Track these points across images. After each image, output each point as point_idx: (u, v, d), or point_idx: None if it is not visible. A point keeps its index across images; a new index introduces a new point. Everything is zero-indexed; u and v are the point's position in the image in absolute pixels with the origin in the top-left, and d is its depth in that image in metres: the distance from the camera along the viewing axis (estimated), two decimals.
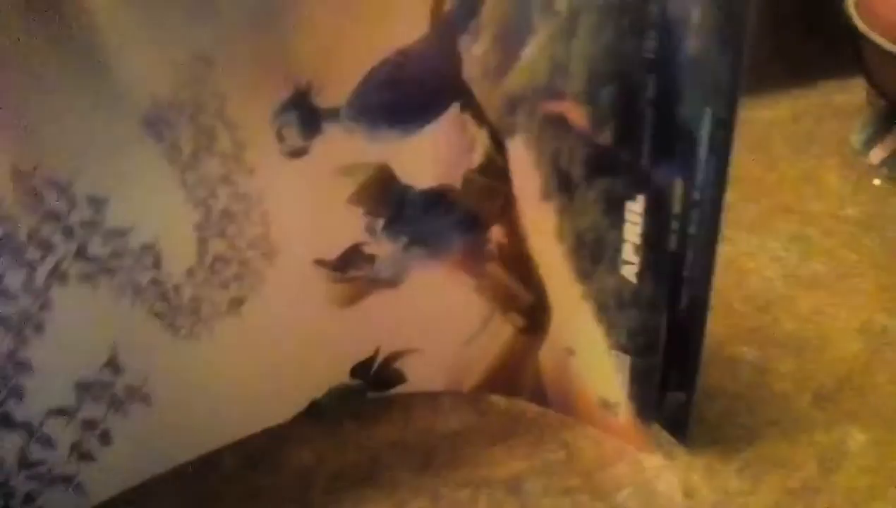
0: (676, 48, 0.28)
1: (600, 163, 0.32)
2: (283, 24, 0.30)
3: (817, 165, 0.53)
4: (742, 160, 0.55)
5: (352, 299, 0.37)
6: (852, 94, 0.57)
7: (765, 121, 0.56)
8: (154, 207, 0.32)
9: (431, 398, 0.40)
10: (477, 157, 0.34)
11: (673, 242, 0.33)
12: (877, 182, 0.51)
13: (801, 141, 0.55)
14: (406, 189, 0.35)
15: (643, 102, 0.29)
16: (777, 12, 0.58)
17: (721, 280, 0.44)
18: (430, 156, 0.34)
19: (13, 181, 0.29)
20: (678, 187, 0.31)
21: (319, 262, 0.36)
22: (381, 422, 0.39)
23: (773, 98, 0.58)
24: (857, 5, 0.50)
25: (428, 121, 0.33)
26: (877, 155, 0.52)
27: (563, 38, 0.30)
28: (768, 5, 0.54)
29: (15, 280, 0.30)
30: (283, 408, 0.39)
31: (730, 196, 0.50)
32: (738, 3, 0.27)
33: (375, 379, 0.40)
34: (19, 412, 0.33)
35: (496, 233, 0.36)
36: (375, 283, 0.37)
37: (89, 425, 0.35)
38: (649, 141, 0.30)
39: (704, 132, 0.30)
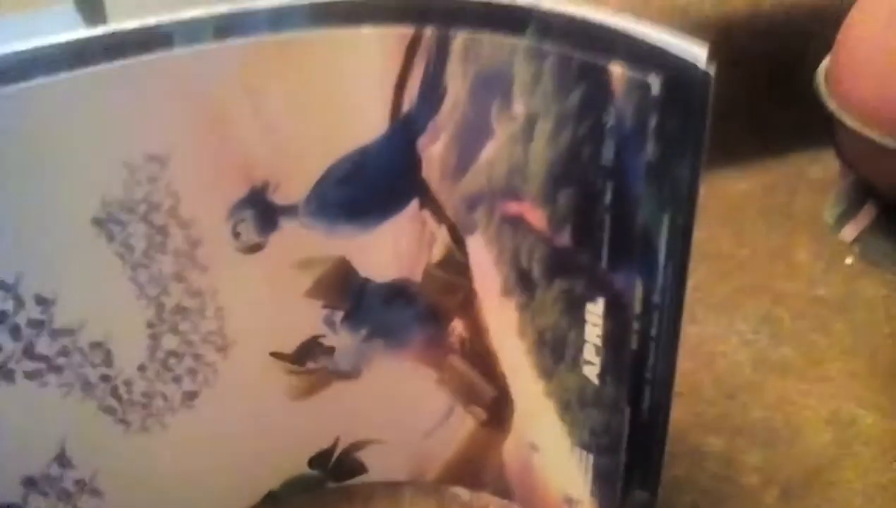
0: (634, 155, 0.27)
1: (559, 265, 0.31)
2: (240, 126, 0.29)
3: (789, 241, 0.52)
4: (713, 233, 0.55)
5: (310, 391, 0.36)
6: (825, 167, 0.56)
7: (736, 192, 0.55)
8: (104, 305, 0.30)
9: (393, 488, 0.39)
10: (437, 252, 0.33)
11: (634, 343, 0.31)
12: (849, 260, 0.50)
13: (772, 214, 0.54)
14: (365, 282, 0.34)
15: (601, 207, 0.29)
16: (750, 83, 0.58)
17: (689, 363, 0.44)
18: (389, 250, 0.33)
19: None
20: (638, 289, 0.30)
21: (276, 355, 0.35)
22: None
23: (744, 169, 0.57)
24: (827, 83, 0.49)
25: (386, 217, 0.32)
26: (849, 232, 0.52)
27: (521, 141, 0.29)
28: (740, 76, 0.54)
29: None
30: (237, 500, 0.38)
31: (700, 273, 0.50)
32: (696, 109, 0.27)
33: (335, 469, 0.38)
34: None
35: (457, 327, 0.35)
36: (334, 375, 0.36)
37: None
38: (608, 244, 0.29)
39: (663, 237, 0.29)
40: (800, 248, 0.52)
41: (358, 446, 0.38)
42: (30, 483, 0.32)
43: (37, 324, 0.30)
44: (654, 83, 0.26)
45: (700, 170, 0.28)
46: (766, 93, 0.58)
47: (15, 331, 0.29)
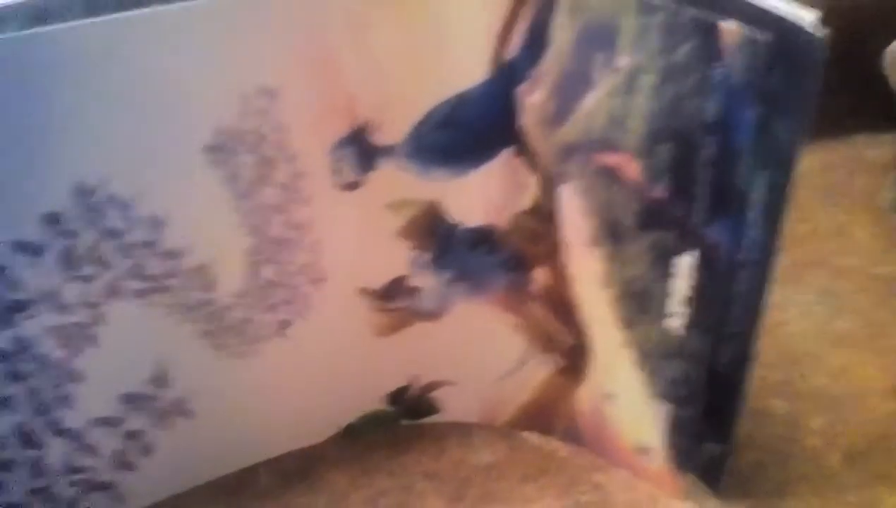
0: (740, 111, 0.27)
1: (652, 217, 0.30)
2: (348, 65, 0.29)
3: (848, 220, 0.51)
4: None
5: (392, 329, 0.36)
6: (883, 149, 0.55)
7: (797, 171, 0.54)
8: (210, 231, 0.31)
9: (464, 430, 0.39)
10: (526, 200, 0.33)
11: (722, 297, 0.31)
12: None
13: (831, 194, 0.53)
14: (454, 226, 0.34)
15: (700, 162, 0.28)
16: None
17: None
18: (479, 196, 0.33)
19: (77, 196, 0.28)
20: (731, 244, 0.30)
21: (364, 291, 0.35)
22: (413, 451, 0.38)
23: (806, 149, 0.56)
24: (893, 65, 0.48)
25: (480, 163, 0.32)
26: None
27: (623, 94, 0.29)
28: None
29: (72, 293, 0.30)
30: (318, 429, 0.38)
31: None
32: (805, 71, 0.26)
33: (410, 407, 0.39)
34: (67, 420, 0.32)
35: (541, 275, 0.35)
36: (417, 315, 0.36)
37: (132, 435, 0.34)
38: (703, 199, 0.29)
39: (759, 194, 0.29)
40: (858, 227, 0.51)
41: (433, 386, 0.38)
42: (127, 400, 0.33)
43: (147, 245, 0.30)
44: (766, 42, 0.26)
45: (803, 131, 0.27)
46: (828, 74, 0.57)
47: (127, 249, 0.30)
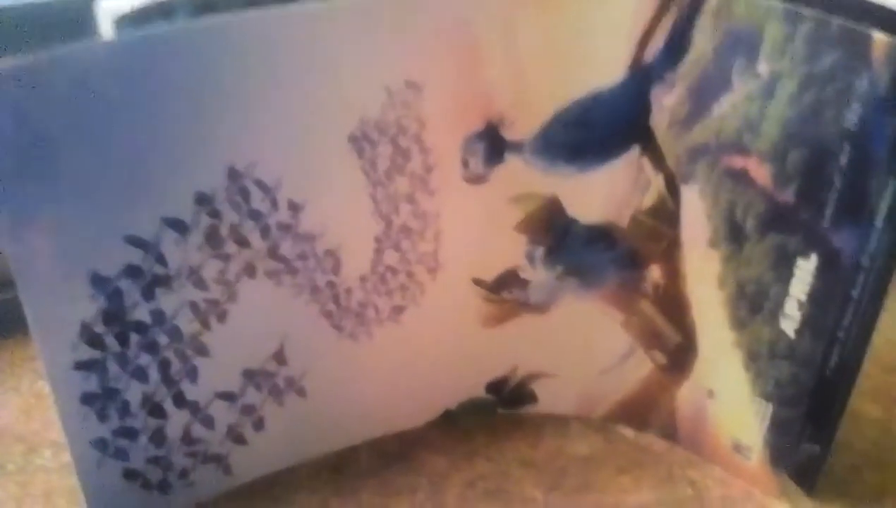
0: (881, 120, 0.28)
1: (776, 220, 0.32)
2: (491, 62, 0.31)
3: None
4: None
5: (500, 319, 0.38)
6: None
7: None
8: (343, 217, 0.33)
9: (559, 422, 0.41)
10: (648, 199, 0.35)
11: (838, 302, 0.33)
12: None
13: None
14: (571, 222, 0.36)
15: (834, 168, 0.30)
16: None
17: None
18: (601, 193, 0.35)
19: (227, 178, 0.31)
20: (854, 250, 0.32)
21: (477, 282, 0.37)
22: (511, 439, 0.40)
23: None
24: None
25: (606, 161, 0.34)
26: None
27: (760, 98, 0.31)
28: None
29: (211, 271, 0.32)
30: (419, 414, 0.41)
31: None
32: None
33: (508, 396, 0.41)
34: (191, 392, 0.34)
35: (654, 273, 0.37)
36: (525, 307, 0.38)
37: (247, 410, 0.36)
38: (833, 204, 0.31)
39: (885, 203, 0.30)
40: None
41: (533, 377, 0.40)
42: (249, 375, 0.35)
43: (285, 227, 0.32)
44: None
45: None
46: None
47: (266, 231, 0.32)
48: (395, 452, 0.40)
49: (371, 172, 0.32)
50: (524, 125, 0.33)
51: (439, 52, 0.31)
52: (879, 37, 0.27)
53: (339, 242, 0.34)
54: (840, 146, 0.30)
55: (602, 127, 0.33)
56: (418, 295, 0.36)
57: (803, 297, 0.33)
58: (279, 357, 0.36)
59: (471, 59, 0.31)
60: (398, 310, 0.36)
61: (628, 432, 0.41)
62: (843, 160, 0.30)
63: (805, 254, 0.32)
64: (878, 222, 0.31)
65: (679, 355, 0.38)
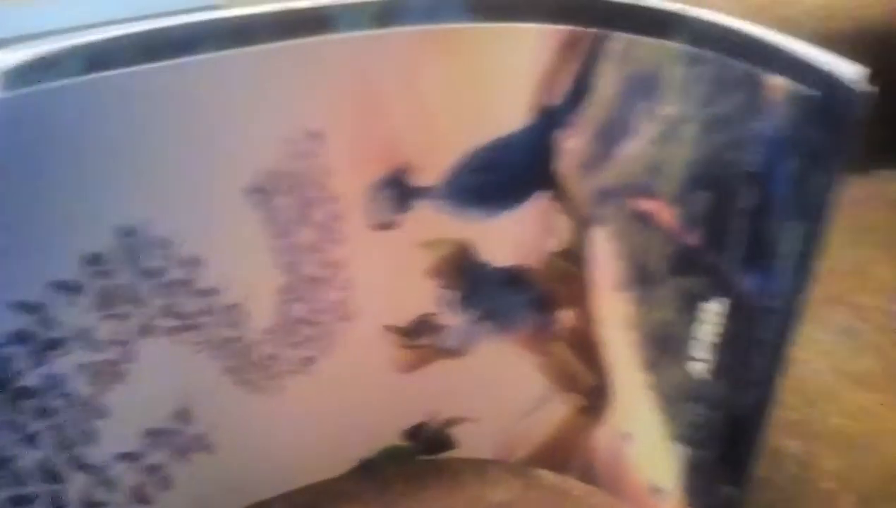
0: (780, 163, 0.30)
1: (683, 263, 0.33)
2: (394, 109, 0.32)
3: (870, 257, 0.54)
4: None
5: (416, 365, 0.39)
6: None
7: None
8: (244, 270, 0.33)
9: (479, 466, 0.42)
10: (559, 242, 0.36)
11: (747, 344, 0.34)
12: None
13: (854, 230, 0.56)
14: (484, 266, 0.36)
15: (737, 211, 0.31)
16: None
17: None
18: (512, 237, 0.36)
19: (118, 237, 0.31)
20: (761, 293, 0.33)
21: (390, 328, 0.37)
22: (429, 486, 0.41)
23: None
24: None
25: (515, 205, 0.35)
26: None
27: (664, 142, 0.32)
28: None
29: (105, 331, 0.32)
30: (335, 464, 0.41)
31: None
32: (847, 127, 0.29)
33: (427, 443, 0.41)
34: (90, 455, 0.34)
35: (566, 316, 0.38)
36: (441, 352, 0.39)
37: (152, 470, 0.36)
38: (738, 247, 0.32)
39: (791, 244, 0.32)
40: (880, 265, 0.54)
41: (452, 422, 0.41)
42: (152, 434, 0.35)
43: (182, 284, 0.32)
44: (811, 97, 0.29)
45: (838, 185, 0.30)
46: None
47: (162, 289, 0.32)
48: (310, 504, 0.40)
49: (272, 224, 0.33)
50: (431, 171, 0.34)
51: (340, 101, 0.31)
52: (774, 80, 0.29)
53: (241, 296, 0.34)
54: (743, 189, 0.31)
55: (508, 171, 0.34)
56: (330, 345, 0.37)
57: (712, 340, 0.34)
58: (183, 415, 0.35)
59: (373, 107, 0.32)
60: (309, 361, 0.37)
61: (548, 476, 0.42)
62: (747, 203, 0.31)
63: (713, 296, 0.33)
64: (786, 264, 0.32)
65: (595, 397, 0.39)
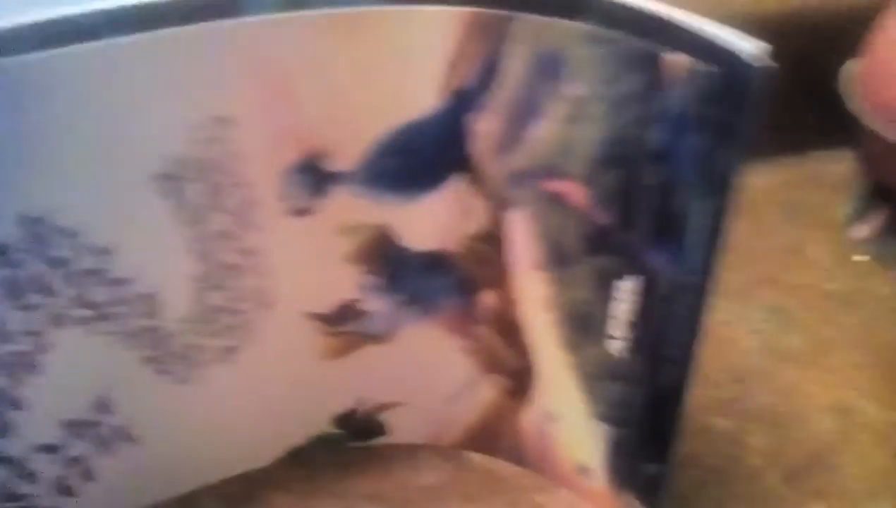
0: (683, 141, 0.30)
1: (597, 242, 0.34)
2: (303, 94, 0.32)
3: (803, 237, 0.55)
4: (731, 227, 0.58)
5: (341, 352, 0.39)
6: (843, 166, 0.59)
7: (756, 188, 0.59)
8: (157, 259, 0.33)
9: (410, 451, 0.42)
10: (476, 225, 0.36)
11: (661, 322, 0.35)
12: (860, 258, 0.54)
13: (789, 210, 0.57)
14: (404, 250, 0.37)
15: (645, 189, 0.32)
16: (774, 81, 0.61)
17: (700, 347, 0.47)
18: (430, 220, 0.36)
19: (23, 226, 0.30)
20: (672, 270, 0.34)
21: (312, 316, 0.38)
22: (359, 473, 0.41)
23: (766, 165, 0.61)
24: (850, 84, 0.52)
25: (431, 189, 0.35)
26: (861, 231, 0.55)
27: (572, 122, 0.32)
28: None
29: (15, 323, 0.32)
30: (264, 453, 0.41)
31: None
32: (749, 104, 0.30)
33: (357, 429, 0.42)
34: (8, 447, 0.34)
35: (488, 298, 0.38)
36: (365, 338, 0.39)
37: (74, 462, 0.36)
38: (647, 225, 0.32)
39: (699, 222, 0.32)
40: (813, 244, 0.55)
41: (381, 408, 0.41)
42: (69, 426, 0.35)
43: (92, 273, 0.32)
44: (712, 74, 0.29)
45: (743, 162, 0.31)
46: (790, 92, 0.61)
47: (71, 278, 0.32)
48: (239, 494, 0.40)
49: (184, 212, 0.33)
50: (346, 156, 0.34)
51: (248, 86, 0.31)
52: (675, 58, 0.29)
53: (155, 285, 0.34)
54: (649, 167, 0.31)
55: (423, 155, 0.34)
56: (251, 334, 0.37)
57: (628, 318, 0.34)
58: (103, 405, 0.35)
59: (282, 92, 0.32)
60: (230, 350, 0.37)
61: (479, 458, 0.42)
62: (653, 181, 0.31)
63: (627, 275, 0.34)
64: (695, 241, 0.33)
65: (520, 378, 0.39)
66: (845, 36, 0.54)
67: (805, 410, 0.44)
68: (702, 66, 0.29)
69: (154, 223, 0.32)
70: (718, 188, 0.31)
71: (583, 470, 0.39)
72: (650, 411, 0.37)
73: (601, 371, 0.36)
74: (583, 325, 0.36)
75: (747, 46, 0.29)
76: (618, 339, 0.35)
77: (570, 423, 0.39)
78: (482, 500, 0.40)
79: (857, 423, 0.44)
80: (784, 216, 0.57)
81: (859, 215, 0.56)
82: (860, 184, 0.58)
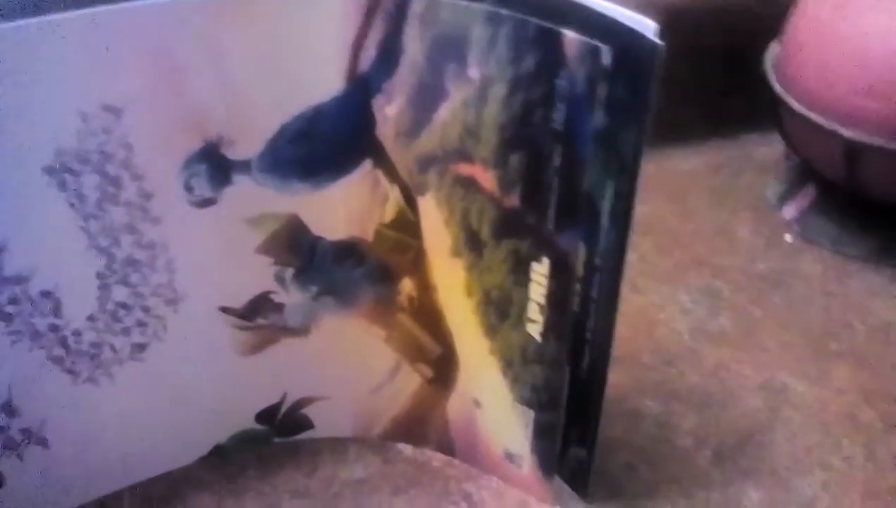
0: (583, 120, 0.29)
1: (508, 225, 0.33)
2: (197, 80, 0.30)
3: (732, 219, 0.55)
4: (660, 209, 0.58)
5: (258, 346, 0.38)
6: (772, 148, 0.59)
7: (684, 171, 0.58)
8: (55, 254, 0.32)
9: (338, 444, 0.41)
10: (388, 212, 0.35)
11: (576, 304, 0.34)
12: (788, 238, 0.53)
13: (718, 193, 0.57)
14: (317, 240, 0.35)
15: (550, 170, 0.31)
16: (701, 67, 0.61)
17: (630, 330, 0.46)
18: (341, 208, 0.35)
19: None
20: (582, 251, 0.33)
21: (226, 310, 0.36)
22: (284, 469, 0.40)
23: (693, 149, 0.60)
24: (774, 67, 0.52)
25: (340, 176, 0.34)
26: (790, 211, 0.55)
27: (475, 104, 0.31)
28: (692, 60, 0.57)
29: None
30: (185, 452, 0.39)
31: (645, 246, 0.52)
32: (644, 80, 0.29)
33: (281, 425, 0.40)
34: None
35: (406, 286, 0.37)
36: (283, 331, 0.37)
37: None
38: (555, 206, 0.31)
39: (606, 202, 0.31)
40: (742, 226, 0.55)
41: (305, 402, 0.40)
42: None
43: None
44: (606, 51, 0.28)
45: (644, 139, 0.30)
46: (716, 77, 0.61)
47: None
48: (160, 494, 0.39)
49: (79, 204, 0.31)
50: (247, 143, 0.33)
51: (139, 74, 0.30)
52: (570, 36, 0.28)
53: (55, 282, 0.32)
54: (552, 148, 0.30)
55: (328, 141, 0.33)
56: (160, 330, 0.35)
57: (542, 301, 0.33)
58: (7, 408, 0.34)
59: (175, 80, 0.30)
60: (139, 348, 0.35)
61: (407, 449, 0.41)
62: (557, 162, 0.30)
63: (537, 257, 0.33)
64: (600, 222, 0.32)
65: (442, 366, 0.38)
66: (773, 18, 0.53)
67: (735, 390, 0.44)
68: (593, 42, 0.28)
69: (49, 217, 0.31)
70: (621, 168, 0.31)
71: (510, 457, 0.38)
72: (572, 394, 0.36)
73: (522, 354, 0.35)
74: (501, 310, 0.35)
75: (639, 22, 0.28)
76: (536, 322, 0.34)
77: (494, 409, 0.37)
78: (411, 491, 0.39)
79: (786, 401, 0.43)
80: (713, 199, 0.56)
81: (788, 195, 0.55)
82: (788, 165, 0.57)
